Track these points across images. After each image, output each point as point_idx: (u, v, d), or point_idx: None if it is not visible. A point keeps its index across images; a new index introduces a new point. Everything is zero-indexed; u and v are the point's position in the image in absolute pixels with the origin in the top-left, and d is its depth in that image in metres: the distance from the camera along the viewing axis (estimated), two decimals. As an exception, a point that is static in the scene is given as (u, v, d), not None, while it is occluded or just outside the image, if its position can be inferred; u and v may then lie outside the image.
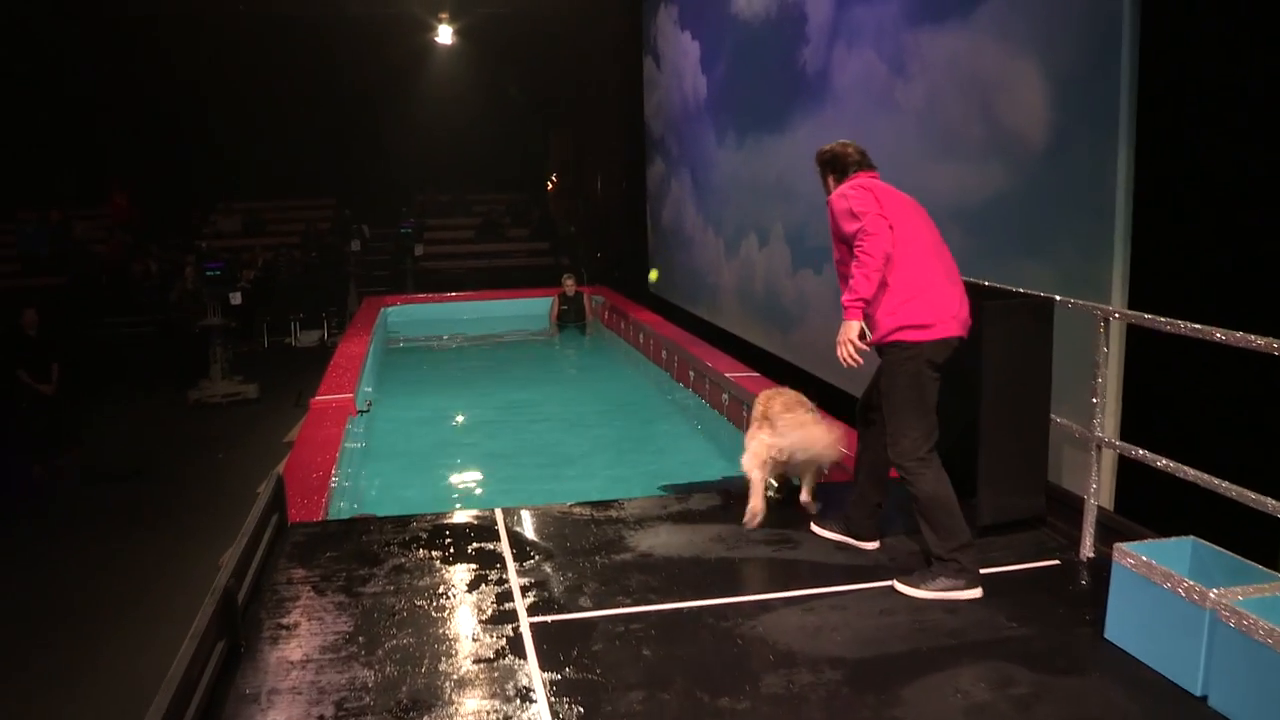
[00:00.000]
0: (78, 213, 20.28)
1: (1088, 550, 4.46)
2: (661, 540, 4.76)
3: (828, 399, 8.40)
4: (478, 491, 7.57)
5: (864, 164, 4.67)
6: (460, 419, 9.64)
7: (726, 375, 8.88)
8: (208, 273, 12.78)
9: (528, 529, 4.96)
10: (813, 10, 9.09)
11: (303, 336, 16.75)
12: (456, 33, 21.39)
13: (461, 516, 5.18)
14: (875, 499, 4.69)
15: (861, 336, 4.32)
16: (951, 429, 5.07)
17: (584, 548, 4.68)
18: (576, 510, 5.16)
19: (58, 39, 19.43)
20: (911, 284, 4.29)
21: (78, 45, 19.57)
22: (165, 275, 17.87)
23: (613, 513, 5.12)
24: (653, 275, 10.24)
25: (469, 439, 9.00)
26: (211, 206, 21.84)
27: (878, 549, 4.68)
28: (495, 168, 23.68)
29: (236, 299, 12.94)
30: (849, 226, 4.37)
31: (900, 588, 4.24)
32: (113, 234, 19.76)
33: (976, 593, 4.16)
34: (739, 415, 8.49)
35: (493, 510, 5.17)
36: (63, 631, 6.47)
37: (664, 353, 11.23)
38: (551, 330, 14.92)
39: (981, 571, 4.29)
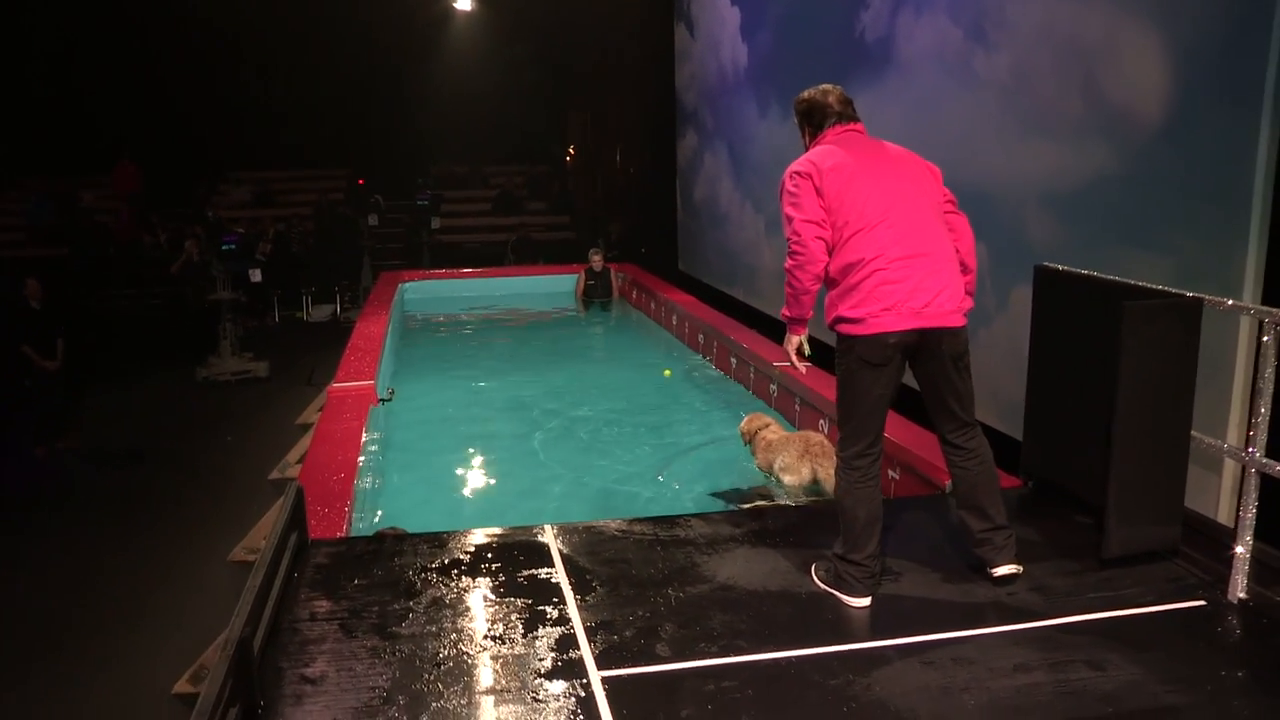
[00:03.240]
0: (85, 181, 19.65)
1: (1239, 591, 3.82)
2: (740, 569, 4.13)
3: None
4: (511, 493, 6.87)
5: (844, 115, 4.11)
6: (486, 408, 8.96)
7: (775, 365, 8.27)
8: (223, 247, 12.19)
9: (584, 551, 4.32)
10: (874, -29, 8.41)
11: (315, 311, 16.23)
12: (475, -2, 20.69)
13: (506, 534, 4.52)
14: (978, 527, 4.05)
15: (800, 351, 4.16)
16: (1079, 444, 4.50)
17: (652, 577, 4.05)
18: (637, 529, 4.53)
19: (62, 3, 18.75)
20: (851, 272, 3.82)
21: (83, 8, 18.84)
22: (175, 247, 17.31)
23: (679, 532, 4.49)
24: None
25: (497, 431, 8.31)
26: (221, 176, 21.19)
27: (1002, 579, 4.01)
28: (513, 139, 22.99)
29: (257, 276, 12.39)
30: (784, 223, 3.96)
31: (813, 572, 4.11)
32: (120, 204, 19.15)
33: (858, 602, 3.87)
34: (789, 407, 7.90)
35: (542, 527, 4.53)
36: (64, 636, 5.93)
37: (701, 337, 10.60)
38: (578, 307, 14.44)
39: (1116, 613, 3.73)
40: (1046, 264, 4.93)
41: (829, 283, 3.92)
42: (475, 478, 7.24)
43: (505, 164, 23.24)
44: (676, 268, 15.56)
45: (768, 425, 6.71)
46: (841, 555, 3.92)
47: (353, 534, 4.86)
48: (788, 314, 4.07)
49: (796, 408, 7.74)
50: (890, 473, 6.14)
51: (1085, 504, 4.61)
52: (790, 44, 10.48)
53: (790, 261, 3.91)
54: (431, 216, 17.80)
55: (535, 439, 7.88)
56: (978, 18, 6.91)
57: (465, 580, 4.05)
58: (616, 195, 20.61)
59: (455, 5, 20.68)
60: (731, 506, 6.07)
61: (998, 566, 3.98)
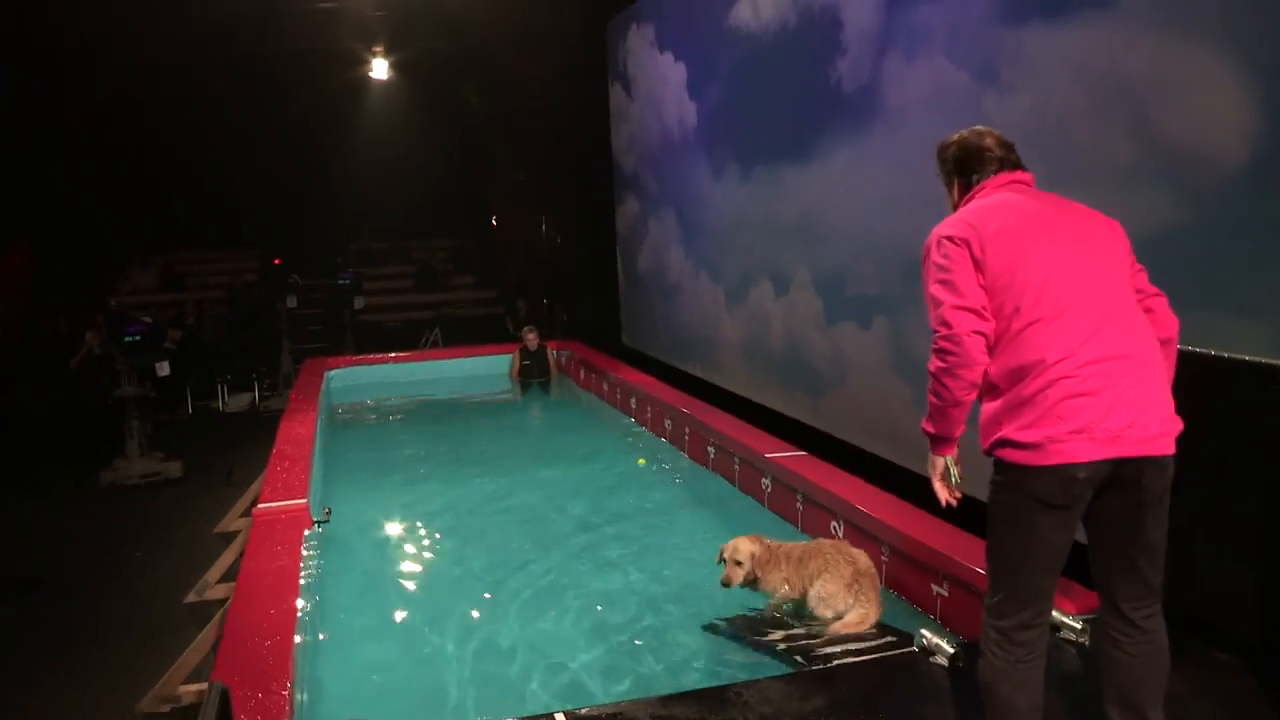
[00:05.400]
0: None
1: None
2: None
3: (875, 473, 6.92)
4: (487, 650, 5.42)
5: (1008, 161, 3.20)
6: (438, 528, 7.64)
7: (767, 457, 7.30)
8: (126, 339, 11.01)
9: None
10: (851, 16, 7.62)
11: (231, 401, 15.03)
12: (392, 67, 19.73)
13: None
14: None
15: (945, 477, 3.12)
16: (1215, 561, 3.61)
17: None
18: (678, 713, 3.47)
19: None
20: (1024, 378, 2.86)
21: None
22: (76, 337, 15.97)
23: (733, 714, 3.43)
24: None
25: (454, 562, 6.92)
26: (125, 260, 19.85)
27: None
28: (435, 211, 22.06)
29: (164, 370, 11.19)
30: (929, 303, 2.99)
31: None
32: (12, 293, 17.71)
33: None
34: (789, 506, 6.93)
35: (552, 717, 3.44)
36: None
37: (668, 422, 9.60)
38: (514, 389, 13.53)
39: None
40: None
41: (988, 390, 2.97)
42: (439, 628, 5.73)
43: (427, 237, 22.24)
44: (618, 342, 14.67)
45: (765, 545, 5.39)
46: None
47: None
48: (932, 430, 3.08)
49: (799, 506, 6.77)
50: (935, 588, 5.20)
51: (1224, 634, 3.72)
52: (748, 99, 9.67)
53: (937, 362, 2.94)
54: (355, 296, 16.75)
55: (500, 571, 6.57)
56: (986, 57, 6.12)
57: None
58: (541, 267, 19.68)
59: (370, 74, 19.72)
60: (771, 655, 4.99)
61: None
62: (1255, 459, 3.41)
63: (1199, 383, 3.87)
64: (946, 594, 5.11)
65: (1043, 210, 3.07)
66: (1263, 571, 3.42)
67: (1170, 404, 2.95)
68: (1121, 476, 2.87)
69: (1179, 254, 4.81)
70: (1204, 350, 3.89)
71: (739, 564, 5.24)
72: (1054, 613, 4.11)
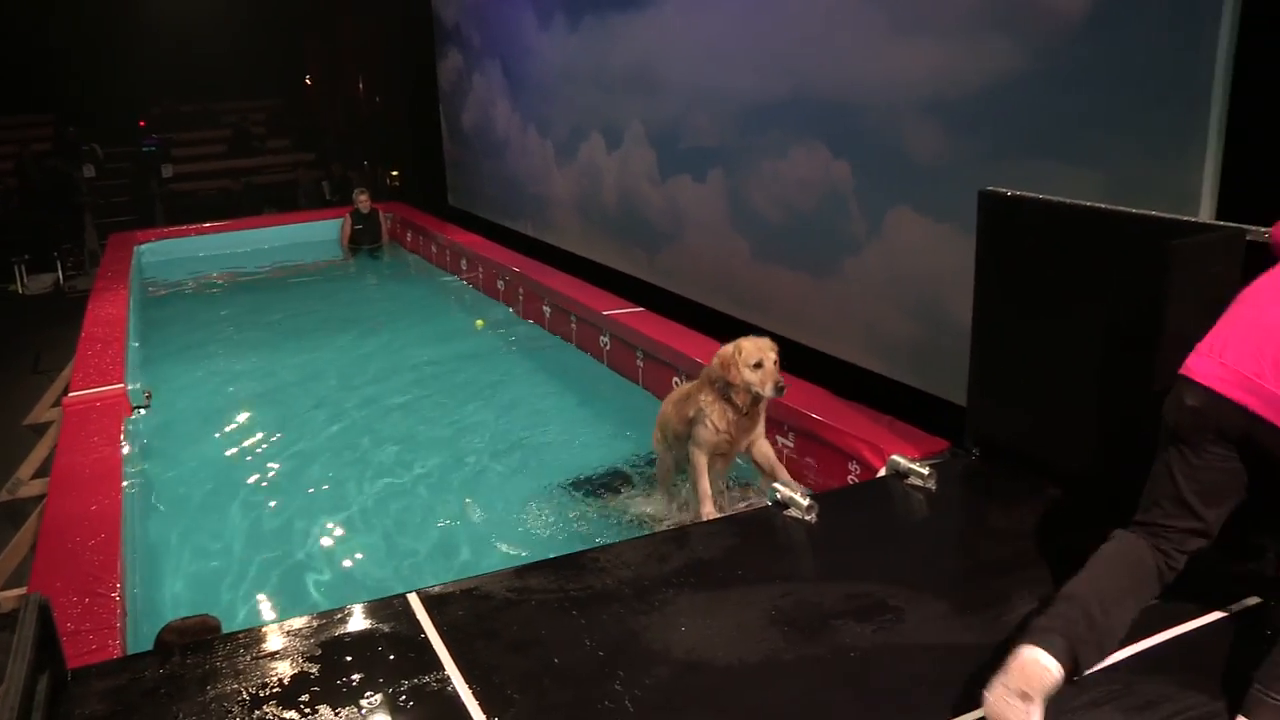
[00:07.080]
0: None
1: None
2: (699, 630, 3.02)
3: (715, 327, 6.93)
4: (329, 525, 5.25)
5: None
6: (269, 403, 7.31)
7: (605, 314, 7.20)
8: (-102, 220, 10.10)
9: (475, 631, 3.08)
10: None
11: (32, 282, 14.00)
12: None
13: (357, 616, 3.20)
14: None
15: None
16: (1055, 405, 3.74)
17: (583, 664, 2.89)
18: (534, 582, 3.34)
19: None
20: None
21: None
22: None
23: (591, 580, 3.35)
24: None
25: (289, 436, 6.58)
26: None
27: None
28: (245, 70, 20.69)
29: (-57, 251, 10.34)
30: None
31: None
32: None
33: None
34: (629, 363, 6.88)
35: (404, 598, 3.26)
36: None
37: (501, 283, 9.38)
38: (345, 255, 13.04)
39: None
40: (993, 188, 4.05)
41: None
42: (275, 514, 5.46)
43: (238, 99, 20.91)
44: (445, 203, 14.21)
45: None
46: None
47: (130, 628, 3.52)
48: None
49: (639, 363, 6.72)
50: (781, 440, 5.25)
51: (1058, 473, 3.86)
52: (573, -57, 9.25)
53: None
54: (162, 164, 15.70)
55: (336, 447, 6.31)
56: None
57: (322, 711, 2.79)
58: (361, 128, 18.80)
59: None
60: (625, 516, 4.97)
61: None
62: (1085, 300, 3.49)
63: (1017, 226, 3.94)
64: (793, 445, 5.17)
65: None
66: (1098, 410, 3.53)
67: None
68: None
69: (1018, 103, 4.81)
70: (1035, 195, 3.92)
71: (776, 363, 4.42)
72: (899, 458, 4.18)
